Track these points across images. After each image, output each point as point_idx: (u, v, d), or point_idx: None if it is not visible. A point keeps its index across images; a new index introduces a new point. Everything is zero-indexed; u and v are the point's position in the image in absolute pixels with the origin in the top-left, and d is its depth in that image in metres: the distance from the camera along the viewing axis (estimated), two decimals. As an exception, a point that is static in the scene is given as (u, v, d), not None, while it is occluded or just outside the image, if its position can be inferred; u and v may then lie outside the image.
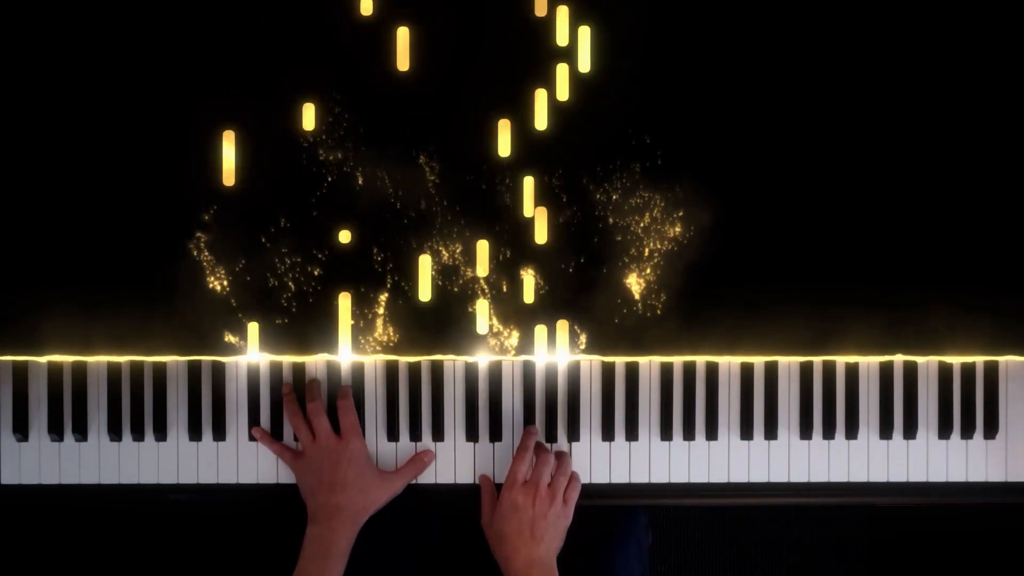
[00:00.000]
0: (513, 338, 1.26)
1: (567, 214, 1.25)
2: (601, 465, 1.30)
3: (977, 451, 1.31)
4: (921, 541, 2.00)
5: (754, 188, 1.26)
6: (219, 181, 1.24)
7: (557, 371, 1.29)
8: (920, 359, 1.30)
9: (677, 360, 1.29)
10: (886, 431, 1.30)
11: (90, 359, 1.26)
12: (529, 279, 1.25)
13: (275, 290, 1.24)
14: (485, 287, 1.25)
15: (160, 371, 1.28)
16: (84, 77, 1.23)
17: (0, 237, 1.23)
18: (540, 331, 1.26)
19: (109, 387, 1.28)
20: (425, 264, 1.25)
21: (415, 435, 1.30)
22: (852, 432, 1.30)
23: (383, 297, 1.25)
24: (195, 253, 1.24)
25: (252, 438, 1.29)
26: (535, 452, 1.26)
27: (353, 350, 1.25)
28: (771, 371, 1.30)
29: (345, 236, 1.24)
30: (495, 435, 1.30)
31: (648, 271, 1.25)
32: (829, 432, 1.30)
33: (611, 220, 1.25)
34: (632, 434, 1.29)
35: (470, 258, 1.25)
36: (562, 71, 1.25)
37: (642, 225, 1.25)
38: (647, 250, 1.25)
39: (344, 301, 1.24)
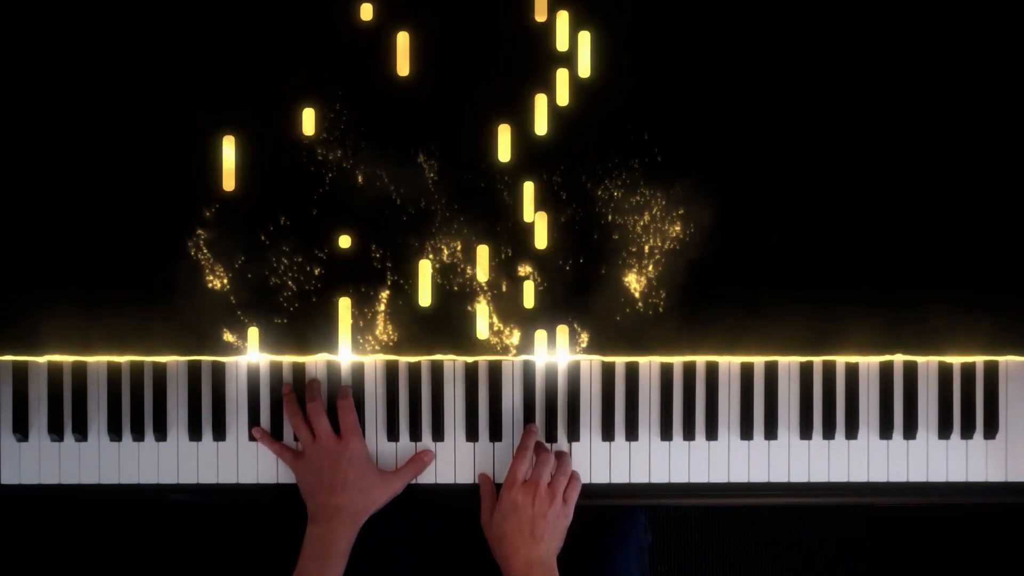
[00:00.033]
0: (513, 342, 1.26)
1: (567, 219, 1.25)
2: (601, 465, 1.30)
3: (977, 451, 1.31)
4: (921, 541, 2.00)
5: (754, 188, 1.26)
6: (219, 183, 1.24)
7: (557, 371, 1.29)
8: (920, 359, 1.30)
9: (677, 360, 1.29)
10: (886, 431, 1.30)
11: (90, 359, 1.26)
12: (529, 284, 1.25)
13: (275, 290, 1.24)
14: (485, 292, 1.25)
15: (160, 371, 1.28)
16: (86, 80, 1.23)
17: (1, 237, 1.23)
18: (540, 336, 1.26)
19: (109, 387, 1.28)
20: (425, 269, 1.25)
21: (415, 435, 1.30)
22: (852, 432, 1.30)
23: (383, 302, 1.25)
24: (195, 253, 1.24)
25: (252, 438, 1.29)
26: (535, 452, 1.26)
27: (353, 350, 1.25)
28: (771, 371, 1.30)
29: (345, 241, 1.24)
30: (495, 435, 1.30)
31: (648, 271, 1.25)
32: (829, 432, 1.30)
33: (611, 219, 1.25)
34: (632, 434, 1.29)
35: (470, 263, 1.25)
36: (562, 76, 1.25)
37: (641, 224, 1.25)
38: (647, 250, 1.25)
39: (344, 305, 1.24)
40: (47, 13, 1.23)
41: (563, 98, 1.25)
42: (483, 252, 1.25)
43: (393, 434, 1.29)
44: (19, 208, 1.23)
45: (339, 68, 1.24)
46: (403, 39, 1.24)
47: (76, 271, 1.23)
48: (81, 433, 1.28)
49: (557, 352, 1.27)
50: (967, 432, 1.31)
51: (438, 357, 1.26)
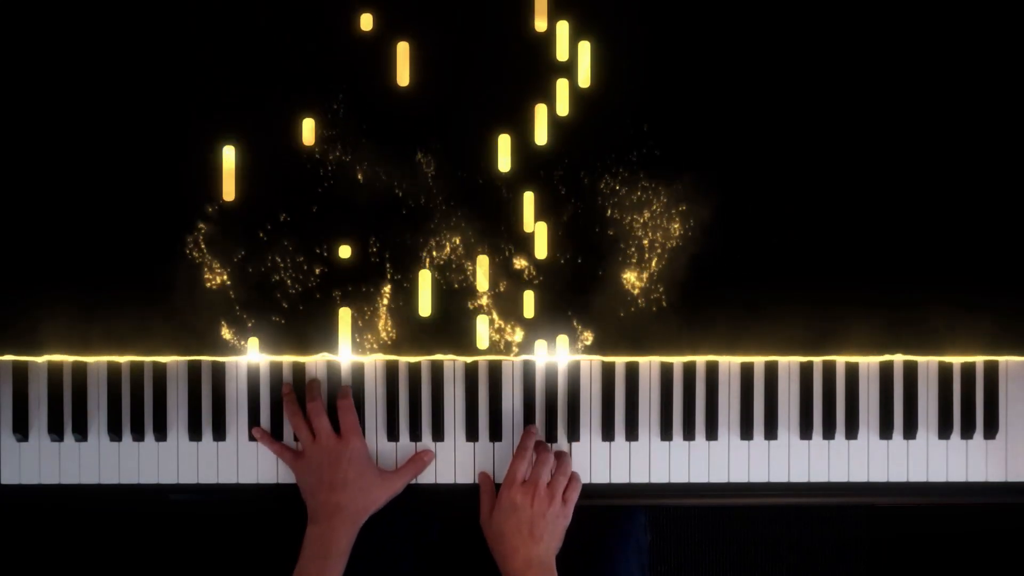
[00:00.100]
0: (513, 351, 1.26)
1: (567, 228, 1.25)
2: (601, 465, 1.30)
3: (977, 451, 1.31)
4: (921, 541, 2.00)
5: (754, 190, 1.26)
6: (219, 187, 1.24)
7: (557, 371, 1.29)
8: (920, 359, 1.30)
9: (677, 360, 1.29)
10: (886, 431, 1.30)
11: (90, 359, 1.26)
12: (529, 294, 1.25)
13: (275, 291, 1.24)
14: (485, 302, 1.25)
15: (160, 371, 1.28)
16: (90, 85, 1.23)
17: (2, 238, 1.23)
18: (540, 344, 1.26)
19: (109, 387, 1.28)
20: (425, 279, 1.25)
21: (415, 435, 1.30)
22: (852, 432, 1.30)
23: (382, 314, 1.25)
24: (195, 253, 1.24)
25: (252, 438, 1.29)
26: (535, 451, 1.26)
27: (353, 350, 1.25)
28: (771, 371, 1.30)
29: (345, 250, 1.24)
30: (495, 435, 1.30)
31: (648, 272, 1.25)
32: (829, 432, 1.30)
33: (612, 224, 1.25)
34: (632, 434, 1.29)
35: (470, 273, 1.25)
36: (562, 86, 1.25)
37: (641, 226, 1.25)
38: (647, 251, 1.25)
39: (344, 314, 1.24)
40: (57, 19, 1.23)
41: (563, 108, 1.25)
42: (483, 262, 1.25)
43: (393, 434, 1.30)
44: (21, 209, 1.23)
45: (339, 78, 1.24)
46: (403, 49, 1.24)
47: (76, 272, 1.23)
48: (81, 433, 1.28)
49: (557, 352, 1.27)
50: (967, 432, 1.31)
51: (438, 357, 1.26)
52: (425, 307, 1.25)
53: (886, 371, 1.30)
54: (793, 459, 1.31)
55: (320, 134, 1.24)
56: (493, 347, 1.26)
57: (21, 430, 1.28)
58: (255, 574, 1.83)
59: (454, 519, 1.40)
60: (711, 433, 1.30)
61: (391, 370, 1.29)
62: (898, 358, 1.29)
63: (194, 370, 1.28)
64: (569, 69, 1.25)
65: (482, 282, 1.25)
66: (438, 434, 1.29)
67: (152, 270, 1.24)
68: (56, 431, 1.27)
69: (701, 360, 1.29)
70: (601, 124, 1.25)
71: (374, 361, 1.29)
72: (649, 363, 1.30)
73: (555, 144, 1.25)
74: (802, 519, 2.01)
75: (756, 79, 1.25)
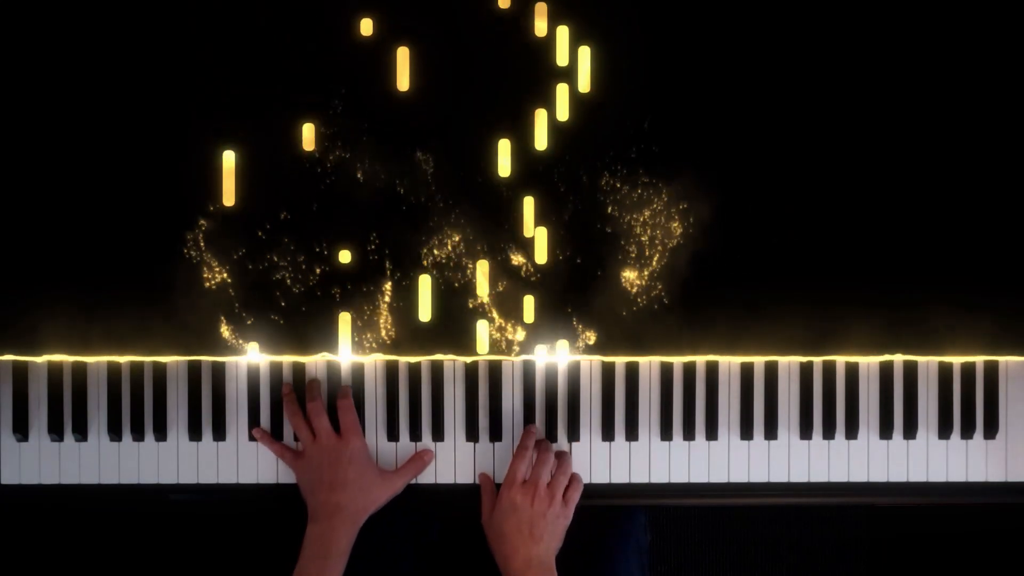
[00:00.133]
0: (514, 353, 1.26)
1: (567, 232, 1.25)
2: (601, 465, 1.30)
3: (977, 451, 1.31)
4: (921, 541, 2.00)
5: (753, 191, 1.26)
6: (219, 187, 1.24)
7: (557, 371, 1.29)
8: (920, 359, 1.30)
9: (677, 360, 1.29)
10: (886, 431, 1.30)
11: (90, 359, 1.26)
12: (530, 299, 1.25)
13: (275, 291, 1.24)
14: (485, 307, 1.25)
15: (160, 371, 1.28)
16: (91, 88, 1.23)
17: (2, 238, 1.23)
18: (540, 346, 1.26)
19: (109, 387, 1.28)
20: (425, 284, 1.25)
21: (415, 435, 1.30)
22: (852, 432, 1.30)
23: (382, 319, 1.25)
24: (195, 252, 1.24)
25: (252, 438, 1.29)
26: (536, 449, 1.26)
27: (353, 350, 1.25)
28: (771, 371, 1.30)
29: (345, 256, 1.24)
30: (495, 435, 1.30)
31: (648, 271, 1.25)
32: (829, 432, 1.30)
33: (612, 227, 1.25)
34: (632, 434, 1.29)
35: (470, 278, 1.25)
36: (562, 91, 1.25)
37: (641, 228, 1.25)
38: (646, 250, 1.25)
39: (344, 318, 1.24)
40: (63, 21, 1.23)
41: (563, 113, 1.25)
42: (483, 266, 1.25)
43: (393, 434, 1.30)
44: (22, 210, 1.23)
45: (339, 82, 1.24)
46: (403, 54, 1.24)
47: (76, 272, 1.23)
48: (81, 433, 1.28)
49: (557, 352, 1.27)
50: (967, 432, 1.31)
51: (438, 357, 1.26)
52: (425, 312, 1.25)
53: (886, 371, 1.30)
54: (793, 459, 1.31)
55: (320, 138, 1.24)
56: (494, 349, 1.26)
57: (21, 430, 1.28)
58: (255, 574, 1.83)
59: (454, 519, 1.40)
60: (711, 433, 1.30)
61: (391, 370, 1.29)
62: (898, 358, 1.29)
63: (194, 370, 1.28)
64: (569, 74, 1.25)
65: (482, 286, 1.25)
66: (438, 434, 1.29)
67: (152, 270, 1.24)
68: (56, 431, 1.27)
69: (701, 360, 1.29)
70: (601, 128, 1.25)
71: (374, 361, 1.29)
72: (649, 363, 1.30)
73: (555, 149, 1.25)
74: (802, 519, 2.01)
75: (756, 81, 1.25)
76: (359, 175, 1.24)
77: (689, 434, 1.29)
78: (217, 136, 1.24)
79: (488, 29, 1.24)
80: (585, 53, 1.25)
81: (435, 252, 1.25)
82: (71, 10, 1.23)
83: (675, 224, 1.25)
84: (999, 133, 1.26)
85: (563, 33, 1.25)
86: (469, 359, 1.28)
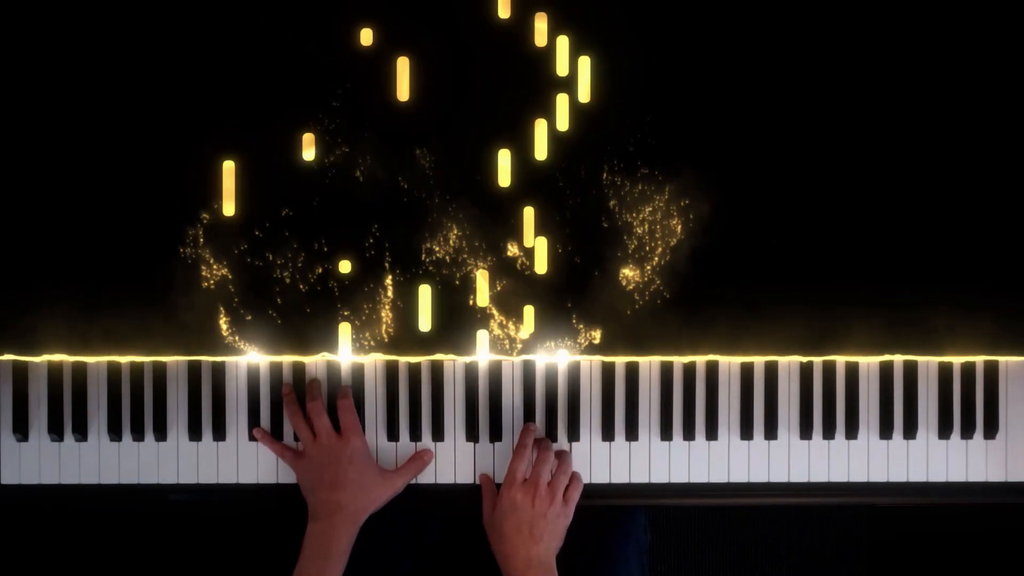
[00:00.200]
0: (513, 357, 1.26)
1: (567, 241, 1.25)
2: (601, 465, 1.30)
3: (977, 451, 1.31)
4: (921, 541, 2.00)
5: (753, 192, 1.26)
6: (219, 188, 1.24)
7: (557, 371, 1.29)
8: (920, 359, 1.30)
9: (677, 360, 1.29)
10: (886, 431, 1.30)
11: (90, 359, 1.26)
12: (529, 309, 1.25)
13: (275, 291, 1.24)
14: (485, 317, 1.25)
15: (160, 371, 1.28)
16: (92, 91, 1.23)
17: (2, 238, 1.23)
18: (541, 353, 1.26)
19: (109, 387, 1.28)
20: (425, 294, 1.25)
21: (415, 435, 1.30)
22: (852, 432, 1.30)
23: (382, 327, 1.25)
24: (195, 252, 1.24)
25: (252, 438, 1.29)
26: (536, 448, 1.26)
27: (353, 350, 1.25)
28: (771, 371, 1.30)
29: (345, 265, 1.24)
30: (495, 435, 1.30)
31: (647, 271, 1.25)
32: (829, 432, 1.30)
33: (611, 217, 1.25)
34: (632, 434, 1.29)
35: (470, 288, 1.25)
36: (562, 101, 1.25)
37: (640, 218, 1.25)
38: (646, 250, 1.25)
39: (344, 329, 1.24)
40: (69, 24, 1.23)
41: (563, 123, 1.25)
42: (483, 277, 1.25)
43: (393, 434, 1.30)
44: (23, 210, 1.23)
45: (339, 92, 1.24)
46: (403, 64, 1.24)
47: (76, 272, 1.23)
48: (81, 433, 1.28)
49: (557, 352, 1.27)
50: (967, 432, 1.31)
51: (438, 357, 1.26)
52: (425, 321, 1.25)
53: (886, 371, 1.30)
54: (793, 459, 1.31)
55: (320, 147, 1.24)
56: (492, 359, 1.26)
57: (21, 430, 1.28)
58: (255, 574, 1.83)
59: (454, 519, 1.40)
60: (711, 433, 1.30)
61: (391, 370, 1.29)
62: (898, 358, 1.29)
63: (194, 370, 1.28)
64: (569, 84, 1.25)
65: (483, 296, 1.25)
66: (438, 434, 1.29)
67: (152, 270, 1.24)
68: (56, 431, 1.27)
69: (701, 360, 1.29)
70: (601, 138, 1.25)
71: (374, 361, 1.29)
72: (649, 363, 1.30)
73: (555, 159, 1.25)
74: (802, 519, 2.01)
75: (756, 88, 1.25)
76: (359, 184, 1.24)
77: (689, 434, 1.29)
78: (218, 143, 1.23)
79: (488, 39, 1.24)
80: (585, 63, 1.25)
81: (435, 261, 1.25)
82: (82, 16, 1.23)
83: (676, 224, 1.25)
84: (999, 133, 1.26)
85: (563, 43, 1.25)
86: (469, 359, 1.28)
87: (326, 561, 1.20)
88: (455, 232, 1.25)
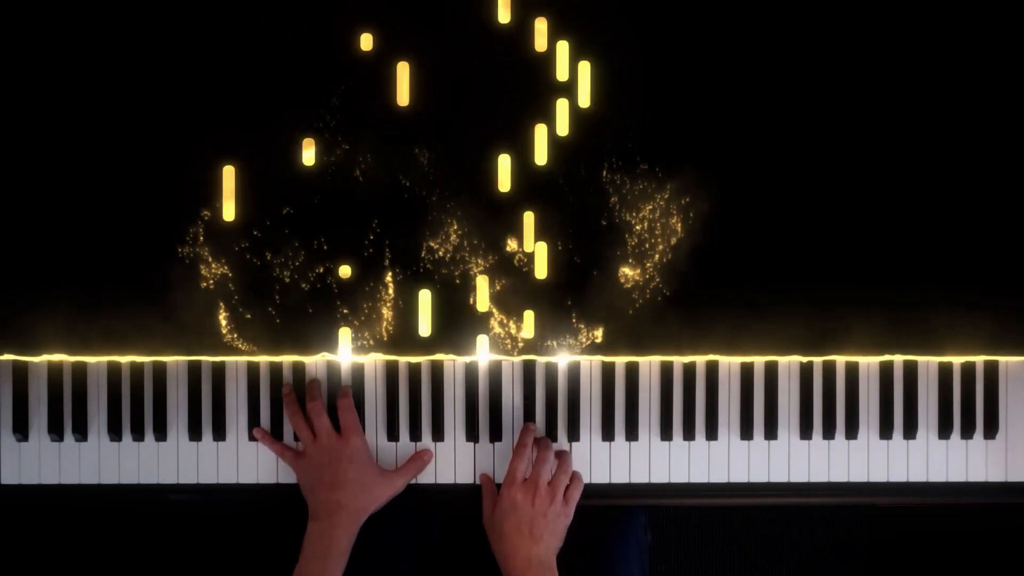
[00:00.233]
0: (513, 357, 1.26)
1: (567, 246, 1.24)
2: (601, 465, 1.30)
3: (977, 451, 1.31)
4: (921, 541, 2.00)
5: (754, 192, 1.26)
6: (220, 189, 1.24)
7: (557, 371, 1.29)
8: (920, 359, 1.30)
9: (677, 360, 1.29)
10: (886, 431, 1.30)
11: (90, 359, 1.26)
12: (529, 314, 1.25)
13: (275, 291, 1.24)
14: (485, 322, 1.25)
15: (160, 371, 1.28)
16: (93, 93, 1.23)
17: (2, 238, 1.23)
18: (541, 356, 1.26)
19: (109, 387, 1.28)
20: (424, 299, 1.25)
21: (415, 435, 1.30)
22: (852, 432, 1.30)
23: (382, 327, 1.25)
24: (195, 252, 1.24)
25: (252, 438, 1.29)
26: (536, 447, 1.26)
27: (353, 350, 1.25)
28: (771, 371, 1.30)
29: (345, 271, 1.24)
30: (495, 435, 1.30)
31: (647, 270, 1.25)
32: (829, 432, 1.30)
33: (611, 216, 1.25)
34: (632, 434, 1.29)
35: (470, 293, 1.25)
36: (562, 106, 1.25)
37: (639, 216, 1.25)
38: (646, 249, 1.25)
39: (344, 333, 1.24)
40: (74, 28, 1.23)
41: (563, 128, 1.25)
42: (483, 282, 1.25)
43: (393, 434, 1.30)
44: (23, 210, 1.23)
45: (339, 98, 1.23)
46: (403, 69, 1.24)
47: (76, 272, 1.23)
48: (81, 433, 1.28)
49: (557, 352, 1.27)
50: (967, 432, 1.31)
51: (438, 357, 1.26)
52: (424, 327, 1.25)
53: (886, 371, 1.30)
54: (793, 459, 1.31)
55: (320, 150, 1.24)
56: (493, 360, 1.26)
57: (21, 430, 1.28)
58: (255, 574, 1.83)
59: (454, 519, 1.40)
60: (711, 433, 1.30)
61: (391, 370, 1.29)
62: (898, 358, 1.29)
63: (194, 370, 1.28)
64: (569, 89, 1.25)
65: (483, 301, 1.25)
66: (438, 434, 1.29)
67: (152, 269, 1.24)
68: (56, 431, 1.27)
69: (701, 360, 1.29)
70: (601, 143, 1.25)
71: (374, 361, 1.29)
72: (649, 363, 1.30)
73: (555, 164, 1.25)
74: (802, 519, 2.01)
75: (756, 91, 1.25)
76: (359, 185, 1.24)
77: (689, 434, 1.29)
78: (218, 144, 1.23)
79: (488, 44, 1.24)
80: (585, 68, 1.25)
81: (435, 265, 1.24)
82: (87, 17, 1.23)
83: (675, 225, 1.25)
84: (999, 133, 1.26)
85: (563, 48, 1.25)
86: (469, 359, 1.28)
87: (326, 561, 1.20)
88: (455, 236, 1.25)
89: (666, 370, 1.30)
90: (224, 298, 1.24)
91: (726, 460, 1.30)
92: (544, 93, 1.25)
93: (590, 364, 1.30)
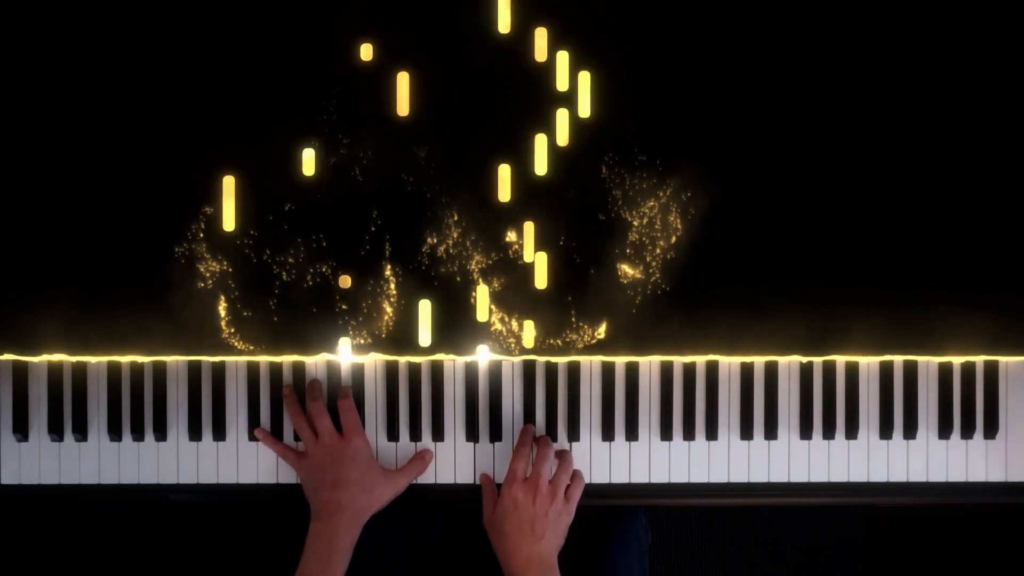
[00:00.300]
0: (514, 357, 1.26)
1: (567, 255, 1.24)
2: (601, 465, 1.30)
3: (977, 451, 1.31)
4: (921, 541, 2.00)
5: (754, 190, 1.26)
6: (220, 188, 1.24)
7: (557, 371, 1.29)
8: (920, 359, 1.30)
9: (677, 360, 1.29)
10: (886, 431, 1.30)
11: (90, 359, 1.26)
12: (529, 323, 1.25)
13: (275, 291, 1.24)
14: (485, 332, 1.25)
15: (160, 371, 1.28)
16: (93, 94, 1.23)
17: (2, 238, 1.23)
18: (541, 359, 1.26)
19: (109, 387, 1.28)
20: (425, 309, 1.24)
21: (415, 435, 1.30)
22: (852, 432, 1.30)
23: (382, 328, 1.25)
24: (195, 253, 1.24)
25: (253, 438, 1.29)
26: (536, 445, 1.26)
27: (353, 350, 1.25)
28: (771, 371, 1.30)
29: (345, 280, 1.24)
30: (495, 435, 1.30)
31: (647, 270, 1.25)
32: (829, 432, 1.30)
33: (611, 216, 1.25)
34: (632, 434, 1.29)
35: (470, 303, 1.25)
36: (562, 116, 1.25)
37: (641, 213, 1.25)
38: (646, 249, 1.25)
39: (344, 342, 1.24)
40: (77, 32, 1.23)
41: (563, 138, 1.25)
42: (482, 292, 1.25)
43: (393, 434, 1.30)
44: (23, 210, 1.23)
45: (339, 108, 1.23)
46: (403, 79, 1.24)
47: (76, 272, 1.23)
48: (81, 433, 1.28)
49: (557, 352, 1.26)
50: (967, 432, 1.31)
51: (438, 357, 1.26)
52: (425, 337, 1.25)
53: (886, 371, 1.30)
54: (793, 459, 1.31)
55: (320, 158, 1.24)
56: (494, 364, 1.26)
57: (21, 430, 1.28)
58: (255, 574, 1.83)
59: (454, 519, 1.40)
60: (711, 433, 1.30)
61: (391, 370, 1.29)
62: (898, 358, 1.29)
63: (194, 370, 1.28)
64: (569, 99, 1.25)
65: (482, 311, 1.25)
66: (438, 434, 1.29)
67: (152, 269, 1.24)
68: (56, 431, 1.27)
69: (701, 360, 1.29)
70: (601, 153, 1.24)
71: (374, 361, 1.29)
72: (649, 363, 1.30)
73: (555, 174, 1.25)
74: (802, 519, 2.01)
75: (755, 94, 1.25)
76: (359, 197, 1.24)
77: (689, 434, 1.29)
78: (219, 149, 1.23)
79: (488, 54, 1.24)
80: (585, 78, 1.24)
81: (434, 275, 1.24)
82: (91, 20, 1.23)
83: (674, 224, 1.25)
84: (999, 133, 1.26)
85: (563, 58, 1.24)
86: (469, 359, 1.28)
87: (328, 561, 1.19)
88: (455, 245, 1.25)
89: (666, 370, 1.30)
90: (224, 297, 1.24)
91: (726, 460, 1.30)
92: (544, 103, 1.25)
93: (590, 364, 1.30)
